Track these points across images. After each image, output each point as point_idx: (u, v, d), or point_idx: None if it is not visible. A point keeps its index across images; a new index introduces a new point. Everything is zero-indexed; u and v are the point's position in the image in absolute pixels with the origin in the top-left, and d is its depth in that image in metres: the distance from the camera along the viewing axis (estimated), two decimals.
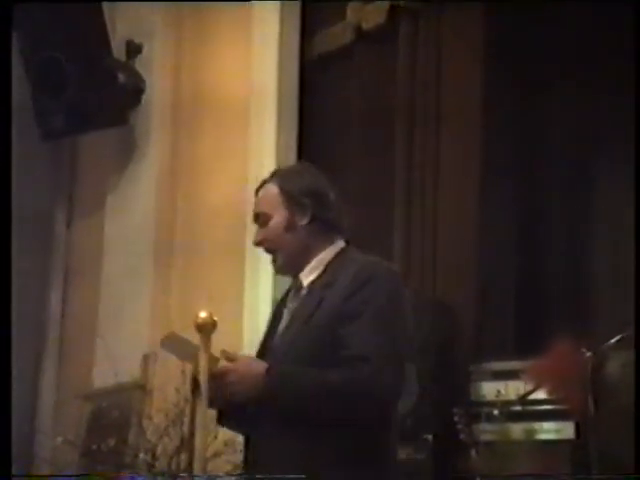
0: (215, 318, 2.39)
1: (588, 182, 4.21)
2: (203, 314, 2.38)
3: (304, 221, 2.65)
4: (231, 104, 5.06)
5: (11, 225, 3.64)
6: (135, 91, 5.19)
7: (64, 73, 5.05)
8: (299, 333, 2.58)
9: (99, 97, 5.06)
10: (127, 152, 5.26)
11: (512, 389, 3.79)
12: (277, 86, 4.91)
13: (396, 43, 4.68)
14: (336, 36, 4.93)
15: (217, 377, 2.45)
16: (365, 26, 4.79)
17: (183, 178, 5.17)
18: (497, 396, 3.82)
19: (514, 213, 4.35)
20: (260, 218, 2.69)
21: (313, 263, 2.65)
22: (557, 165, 4.30)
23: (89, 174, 5.55)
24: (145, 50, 5.24)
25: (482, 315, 4.26)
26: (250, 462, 2.62)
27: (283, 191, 2.66)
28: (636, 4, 3.89)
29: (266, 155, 4.86)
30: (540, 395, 3.68)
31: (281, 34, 4.94)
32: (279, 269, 2.70)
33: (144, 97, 5.21)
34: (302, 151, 4.93)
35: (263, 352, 2.66)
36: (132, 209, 5.17)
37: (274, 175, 2.74)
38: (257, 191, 2.73)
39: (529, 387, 3.56)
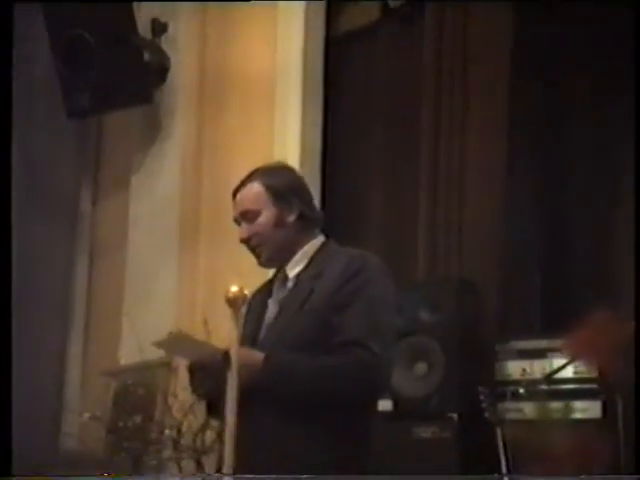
0: (246, 292, 2.41)
1: (614, 163, 4.18)
2: (234, 288, 2.40)
3: (292, 217, 2.76)
4: (256, 82, 5.05)
5: (11, 217, 3.65)
6: (160, 69, 5.18)
7: (90, 51, 5.05)
8: (290, 322, 2.67)
9: (125, 75, 5.06)
10: (152, 130, 5.25)
11: (538, 368, 3.80)
12: (302, 63, 4.89)
13: (423, 20, 4.66)
14: (362, 13, 4.91)
15: (214, 366, 2.49)
16: (392, 3, 4.77)
17: (208, 156, 5.17)
18: (522, 375, 3.82)
19: (540, 192, 4.33)
20: (247, 215, 2.76)
21: (298, 256, 2.76)
22: (583, 147, 4.28)
23: (114, 152, 5.56)
24: (170, 28, 5.23)
25: (508, 294, 4.25)
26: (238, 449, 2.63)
27: (270, 189, 2.76)
28: None
29: (291, 132, 4.85)
30: (567, 373, 3.67)
31: (307, 11, 4.92)
32: (266, 262, 2.78)
33: (169, 75, 5.20)
34: (327, 129, 4.92)
35: (251, 342, 2.69)
36: (157, 187, 5.18)
37: (255, 175, 2.82)
38: (237, 191, 2.82)
39: (560, 363, 3.55)
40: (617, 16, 4.08)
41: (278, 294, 2.77)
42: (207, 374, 2.59)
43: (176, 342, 2.68)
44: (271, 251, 2.75)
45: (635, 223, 3.76)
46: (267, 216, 2.75)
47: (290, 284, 2.75)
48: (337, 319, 2.61)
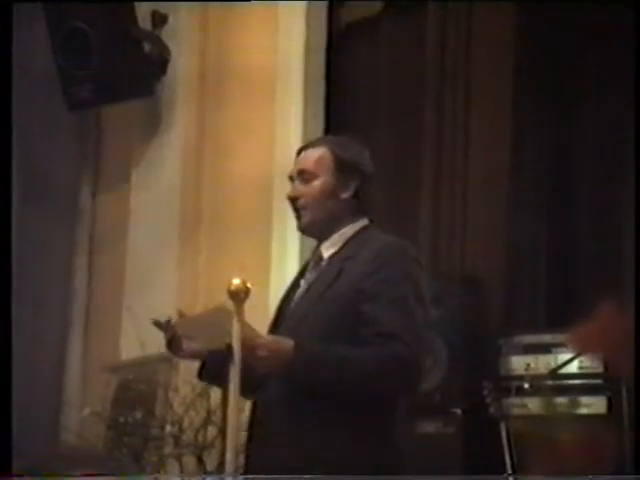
0: (248, 285, 2.36)
1: (618, 159, 4.16)
2: (236, 281, 2.36)
3: (346, 194, 2.66)
4: (258, 75, 5.02)
5: (11, 210, 3.62)
6: (161, 62, 5.15)
7: (90, 43, 5.03)
8: (314, 303, 2.59)
9: (125, 68, 5.04)
10: (153, 123, 5.23)
11: (542, 363, 3.77)
12: (304, 56, 4.86)
13: (425, 13, 4.63)
14: (364, 6, 4.88)
15: (246, 352, 2.42)
16: None
17: (209, 149, 5.14)
18: (527, 370, 3.80)
19: (545, 185, 4.31)
20: (304, 174, 2.67)
21: (336, 236, 2.66)
22: (588, 137, 4.26)
23: (115, 145, 5.53)
24: (171, 20, 5.19)
25: (512, 288, 4.23)
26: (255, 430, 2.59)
27: (337, 158, 2.67)
28: None
29: (293, 125, 4.83)
30: (572, 369, 3.65)
31: (309, 3, 4.90)
32: (305, 228, 2.69)
33: (170, 67, 5.17)
34: (329, 122, 4.89)
35: (277, 319, 2.66)
36: (158, 180, 5.15)
37: (326, 140, 2.77)
38: (303, 149, 2.74)
39: (565, 358, 3.53)
40: (619, 15, 4.05)
41: (310, 274, 2.68)
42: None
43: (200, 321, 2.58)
44: (314, 218, 2.65)
45: (636, 219, 3.74)
46: (324, 183, 2.65)
47: (323, 264, 2.66)
48: (368, 307, 2.51)
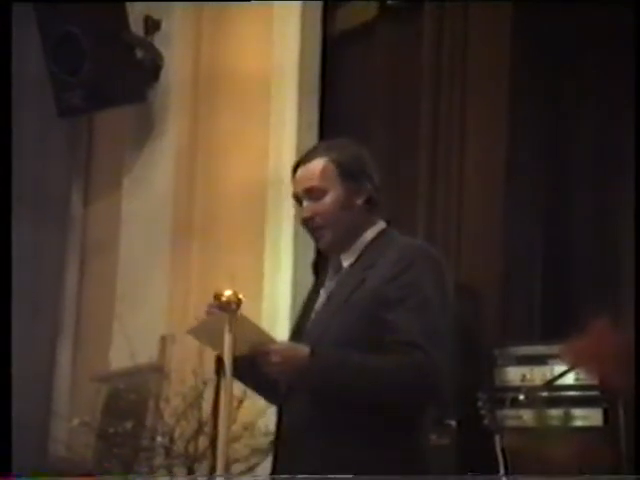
0: (240, 296, 2.33)
1: (616, 165, 4.14)
2: (228, 292, 2.32)
3: (360, 200, 2.56)
4: (251, 81, 5.00)
5: (11, 214, 3.59)
6: (153, 68, 5.15)
7: (82, 49, 5.02)
8: (337, 312, 2.51)
9: (117, 74, 5.04)
10: (145, 129, 5.22)
11: (538, 374, 3.75)
12: (298, 62, 4.84)
13: (421, 18, 4.61)
14: (359, 11, 4.87)
15: (260, 357, 2.40)
16: (389, 2, 4.72)
17: (202, 156, 5.12)
18: (522, 381, 3.77)
19: (541, 194, 4.29)
20: (311, 193, 2.56)
21: (357, 244, 2.58)
22: (586, 144, 4.24)
23: (106, 151, 5.51)
24: (164, 26, 5.20)
25: (507, 299, 4.20)
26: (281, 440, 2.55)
27: (340, 166, 2.56)
28: None
29: (287, 133, 4.80)
30: (568, 380, 3.62)
31: (303, 9, 4.87)
32: (327, 247, 2.60)
33: (163, 74, 5.17)
34: (323, 128, 4.86)
35: (297, 331, 2.60)
36: (150, 187, 5.14)
37: (321, 149, 2.64)
38: (301, 164, 2.62)
39: (560, 369, 3.50)
40: (617, 14, 4.04)
41: (330, 283, 2.61)
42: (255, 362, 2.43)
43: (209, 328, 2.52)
44: (334, 235, 2.55)
45: (635, 228, 3.71)
46: (334, 196, 2.54)
47: (343, 273, 2.57)
48: (390, 315, 2.42)
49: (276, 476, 2.38)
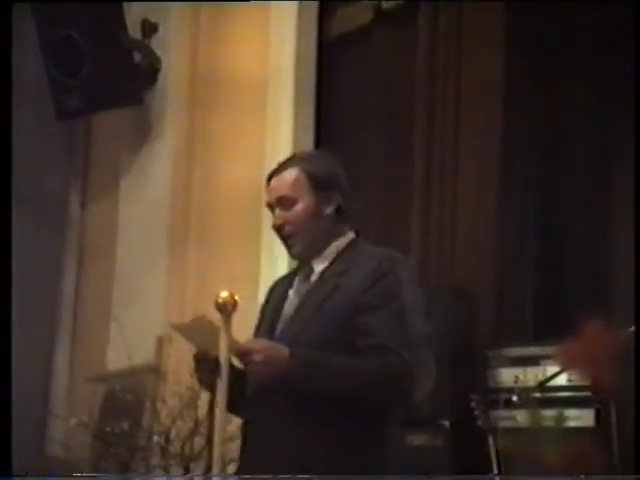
0: (236, 298, 2.35)
1: (609, 167, 4.15)
2: (224, 294, 2.35)
3: (330, 209, 2.66)
4: (248, 84, 5.01)
5: (11, 217, 3.61)
6: (151, 71, 5.15)
7: (80, 52, 5.02)
8: (312, 316, 2.58)
9: (114, 76, 5.03)
10: (142, 132, 5.22)
11: (531, 375, 3.76)
12: (295, 66, 4.86)
13: (416, 23, 4.62)
14: (355, 15, 4.88)
15: (241, 355, 2.43)
16: (385, 5, 4.74)
17: (199, 159, 5.13)
18: (516, 382, 3.78)
19: (533, 198, 4.30)
20: (283, 202, 2.65)
21: (327, 250, 2.66)
22: (577, 151, 4.25)
23: (104, 154, 5.52)
24: (161, 29, 5.20)
25: (501, 300, 4.22)
26: (248, 447, 2.60)
27: (311, 177, 2.65)
28: None
29: (283, 136, 4.81)
30: (561, 381, 3.63)
31: (299, 13, 4.89)
32: (298, 254, 2.68)
33: (160, 77, 5.17)
34: (319, 132, 4.88)
35: (268, 334, 2.63)
36: (147, 190, 5.14)
37: (295, 159, 2.73)
38: (274, 174, 2.71)
39: (553, 370, 3.52)
40: (614, 14, 4.05)
41: (301, 287, 2.68)
42: (215, 365, 2.47)
43: (196, 328, 2.56)
44: (304, 243, 2.64)
45: (635, 230, 3.73)
46: (305, 205, 2.64)
47: (314, 278, 2.66)
48: (365, 320, 2.52)
49: (276, 476, 2.40)
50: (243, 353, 2.41)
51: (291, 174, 2.66)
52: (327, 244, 2.66)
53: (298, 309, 2.63)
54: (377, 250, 2.68)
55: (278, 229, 2.66)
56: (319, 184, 2.65)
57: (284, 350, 2.48)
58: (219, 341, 2.39)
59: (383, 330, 2.50)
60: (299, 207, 2.64)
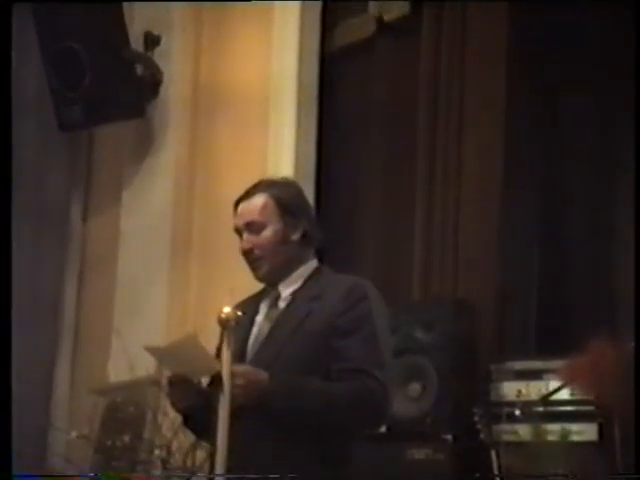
0: (239, 313, 2.36)
1: (610, 179, 4.15)
2: (227, 309, 2.36)
3: (296, 235, 2.73)
4: (250, 97, 5.02)
5: (11, 224, 3.60)
6: (153, 83, 5.15)
7: (82, 64, 5.02)
8: (287, 341, 2.64)
9: (117, 89, 5.04)
10: (144, 144, 5.22)
11: (533, 389, 3.76)
12: (297, 78, 4.86)
13: (419, 35, 4.64)
14: (357, 28, 4.89)
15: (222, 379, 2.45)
16: (387, 18, 4.75)
17: (201, 171, 5.13)
18: (518, 396, 3.78)
19: (536, 212, 4.30)
20: (252, 226, 2.72)
21: (293, 276, 2.73)
22: (579, 162, 4.25)
23: (106, 166, 5.51)
24: (163, 42, 5.20)
25: (503, 314, 4.22)
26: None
27: (279, 203, 2.73)
28: None
29: (285, 148, 4.82)
30: (563, 395, 3.63)
31: (302, 26, 4.89)
32: (264, 277, 2.74)
33: (162, 89, 5.17)
34: (322, 144, 4.88)
35: (240, 358, 2.63)
36: (149, 202, 5.14)
37: (262, 186, 2.79)
38: (241, 200, 2.79)
39: (556, 385, 3.51)
40: (616, 20, 4.06)
41: (270, 312, 2.73)
42: (189, 389, 2.57)
43: (172, 353, 2.60)
44: (271, 266, 2.71)
45: (635, 244, 3.73)
46: (273, 230, 2.71)
47: (283, 303, 2.72)
48: (340, 344, 2.59)
49: (266, 476, 2.40)
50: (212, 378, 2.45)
51: (260, 199, 2.74)
52: (293, 269, 2.73)
53: (270, 334, 2.68)
54: (346, 277, 2.75)
55: (246, 253, 2.73)
56: (287, 210, 2.72)
57: (264, 375, 2.54)
58: (199, 365, 2.45)
59: (358, 353, 2.59)
60: (267, 232, 2.71)
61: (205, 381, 2.61)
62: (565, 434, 3.59)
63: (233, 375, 2.45)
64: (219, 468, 2.33)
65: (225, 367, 2.32)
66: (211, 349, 2.62)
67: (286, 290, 2.72)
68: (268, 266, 2.70)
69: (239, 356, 2.64)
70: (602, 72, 4.16)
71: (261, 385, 2.51)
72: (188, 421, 2.77)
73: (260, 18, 5.04)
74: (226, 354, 2.33)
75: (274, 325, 2.69)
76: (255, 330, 2.71)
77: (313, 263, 2.77)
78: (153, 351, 2.63)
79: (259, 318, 2.73)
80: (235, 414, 2.47)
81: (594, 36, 4.17)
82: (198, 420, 2.65)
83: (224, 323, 2.37)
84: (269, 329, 2.69)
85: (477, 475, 3.60)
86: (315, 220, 2.82)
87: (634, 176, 3.88)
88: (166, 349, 2.61)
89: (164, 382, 4.55)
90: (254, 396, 2.49)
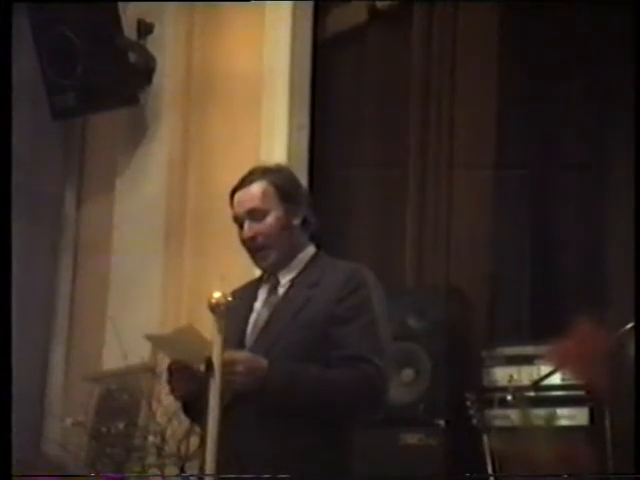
0: (229, 298, 2.36)
1: (607, 166, 4.17)
2: (217, 294, 2.35)
3: (297, 221, 2.70)
4: (243, 84, 5.01)
5: (11, 212, 3.60)
6: (146, 71, 5.14)
7: (75, 52, 5.02)
8: (286, 328, 2.62)
9: (110, 76, 5.02)
10: (137, 132, 5.21)
11: (525, 374, 3.78)
12: (289, 66, 4.85)
13: (411, 22, 4.64)
14: (350, 15, 4.89)
15: (223, 366, 2.42)
16: (379, 5, 4.75)
17: (194, 158, 5.13)
18: (510, 381, 3.80)
19: (529, 197, 4.31)
20: (254, 214, 2.68)
21: (293, 262, 2.70)
22: (572, 152, 4.26)
23: (99, 154, 5.51)
24: (156, 29, 5.18)
25: (495, 300, 4.23)
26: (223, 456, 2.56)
27: (279, 189, 2.69)
28: None
29: (278, 136, 4.82)
30: (555, 380, 3.65)
31: (294, 13, 4.88)
32: (271, 266, 2.70)
33: (155, 77, 5.16)
34: (314, 132, 4.88)
35: (236, 346, 2.62)
36: (142, 189, 5.14)
37: (258, 173, 2.74)
38: (238, 188, 2.74)
39: (547, 370, 3.53)
40: (610, 15, 4.06)
41: (269, 299, 2.70)
42: (188, 376, 2.55)
43: (172, 341, 2.59)
44: (278, 254, 2.67)
45: (635, 225, 3.74)
46: (275, 216, 2.67)
47: (282, 290, 2.69)
48: (339, 332, 2.58)
49: (274, 476, 2.42)
50: (225, 363, 2.41)
51: (259, 186, 2.69)
52: (294, 255, 2.70)
53: (269, 321, 2.66)
54: (343, 263, 2.73)
55: (249, 241, 2.68)
56: (286, 196, 2.69)
57: (264, 362, 2.52)
58: (197, 353, 2.42)
59: (357, 341, 2.57)
60: (270, 219, 2.67)
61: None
62: (550, 418, 3.62)
63: (233, 362, 2.44)
64: (210, 455, 2.33)
65: (216, 352, 2.33)
66: (207, 336, 2.63)
67: (285, 277, 2.69)
68: (275, 255, 2.67)
69: (238, 343, 2.63)
70: (597, 60, 4.17)
71: (261, 372, 2.50)
72: (188, 408, 2.75)
73: (253, 7, 5.03)
74: (217, 339, 2.33)
75: (273, 312, 2.67)
76: (254, 317, 2.69)
77: (311, 249, 2.74)
78: (153, 339, 2.63)
79: (257, 305, 2.71)
80: (234, 400, 2.48)
81: (588, 26, 4.18)
82: (197, 407, 2.60)
83: (214, 308, 2.35)
84: (268, 316, 2.67)
85: (471, 473, 3.61)
86: (311, 204, 2.77)
87: (633, 163, 3.90)
88: (166, 337, 2.60)
89: (158, 369, 4.61)
90: (254, 383, 2.48)
